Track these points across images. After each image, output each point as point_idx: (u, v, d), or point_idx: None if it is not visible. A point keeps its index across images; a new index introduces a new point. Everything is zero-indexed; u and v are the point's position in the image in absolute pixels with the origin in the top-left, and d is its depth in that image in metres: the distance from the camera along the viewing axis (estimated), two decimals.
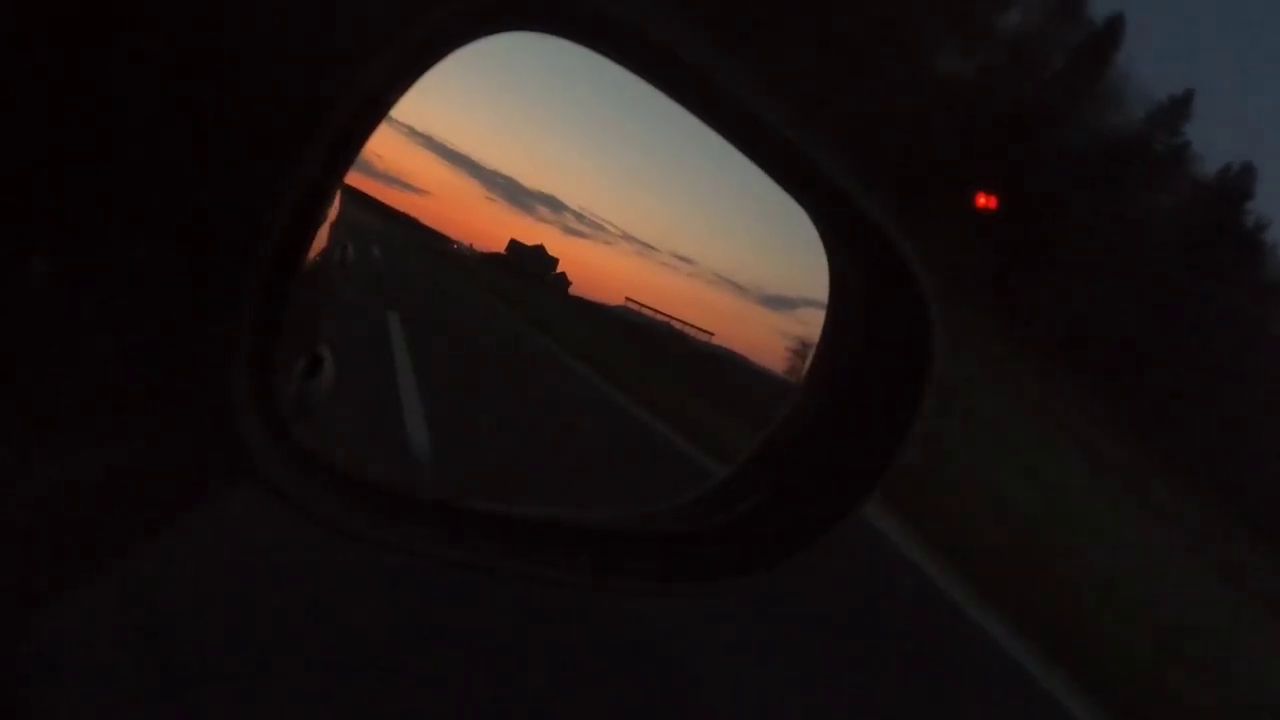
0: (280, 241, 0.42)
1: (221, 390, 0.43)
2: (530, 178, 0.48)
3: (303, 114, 0.41)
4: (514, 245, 0.49)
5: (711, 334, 0.57)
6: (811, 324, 0.62)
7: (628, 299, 0.54)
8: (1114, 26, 50.20)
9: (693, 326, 0.56)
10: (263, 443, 0.45)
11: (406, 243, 0.55)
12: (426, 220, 0.48)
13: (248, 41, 0.42)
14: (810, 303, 0.63)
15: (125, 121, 0.41)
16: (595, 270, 0.53)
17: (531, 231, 0.49)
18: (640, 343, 0.58)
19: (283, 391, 0.49)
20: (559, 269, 0.51)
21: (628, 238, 0.52)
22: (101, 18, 0.40)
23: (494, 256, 0.50)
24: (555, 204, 0.50)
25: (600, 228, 0.51)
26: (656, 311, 0.54)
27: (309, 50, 0.42)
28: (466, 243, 0.49)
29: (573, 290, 0.53)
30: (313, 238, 0.45)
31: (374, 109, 0.44)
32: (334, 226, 0.51)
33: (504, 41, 0.46)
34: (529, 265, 0.50)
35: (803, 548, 0.61)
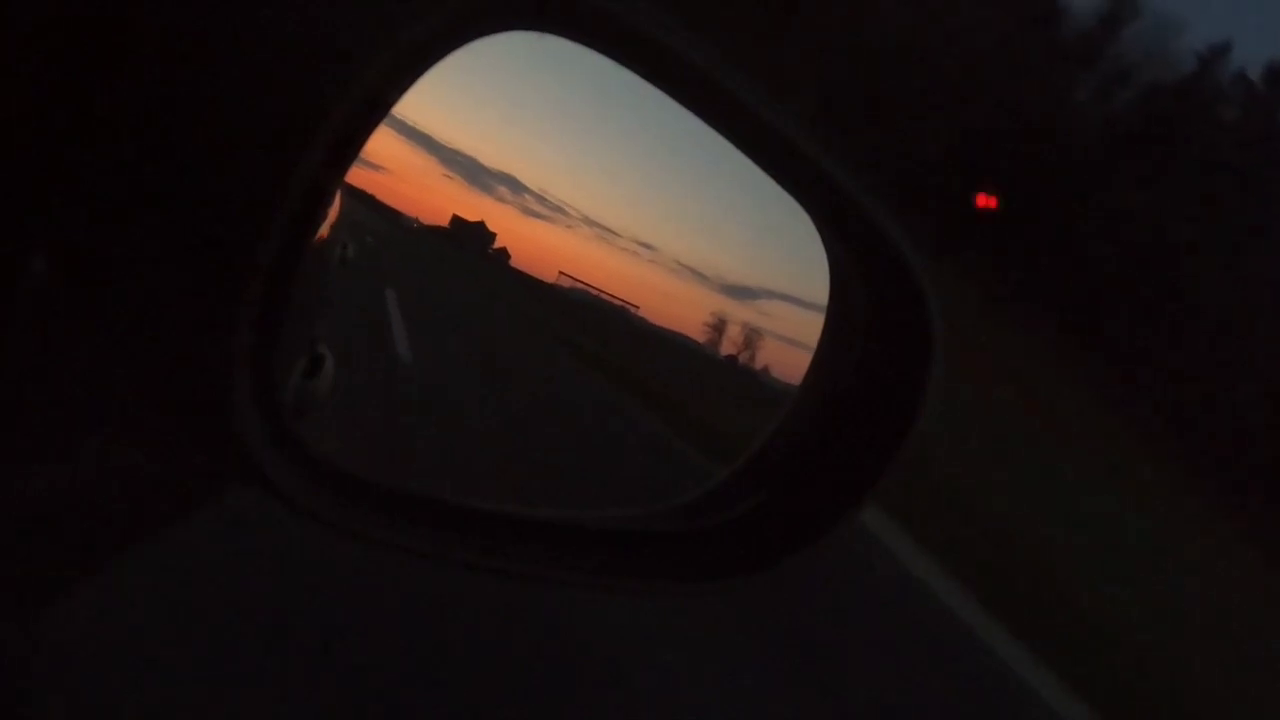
0: (280, 241, 0.42)
1: (221, 390, 0.43)
2: (492, 159, 0.50)
3: (303, 114, 0.41)
4: (456, 220, 0.51)
5: (637, 306, 0.59)
6: (774, 314, 0.64)
7: (561, 272, 0.57)
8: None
9: (620, 299, 0.59)
10: (263, 443, 0.45)
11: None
12: (382, 196, 0.50)
13: (248, 42, 0.42)
14: (771, 293, 0.64)
15: (125, 122, 0.41)
16: (541, 248, 0.55)
17: (490, 211, 0.52)
18: (577, 316, 0.61)
19: (283, 391, 0.49)
20: (498, 244, 0.54)
21: (588, 221, 0.54)
22: (101, 19, 0.40)
23: (439, 229, 0.52)
24: (515, 184, 0.52)
25: (560, 210, 0.53)
26: (589, 285, 0.58)
27: (309, 50, 0.42)
28: (414, 216, 0.51)
29: (513, 264, 0.56)
30: (313, 238, 0.45)
31: (374, 109, 0.44)
32: (334, 225, 0.52)
33: (503, 41, 0.46)
34: (468, 239, 0.53)
35: (804, 547, 0.61)
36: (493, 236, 0.53)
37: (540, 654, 2.88)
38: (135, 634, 2.09)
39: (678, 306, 0.61)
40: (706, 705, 3.25)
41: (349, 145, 0.43)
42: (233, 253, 0.42)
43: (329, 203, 0.46)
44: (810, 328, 0.66)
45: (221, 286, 0.42)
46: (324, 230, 0.48)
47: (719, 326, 0.62)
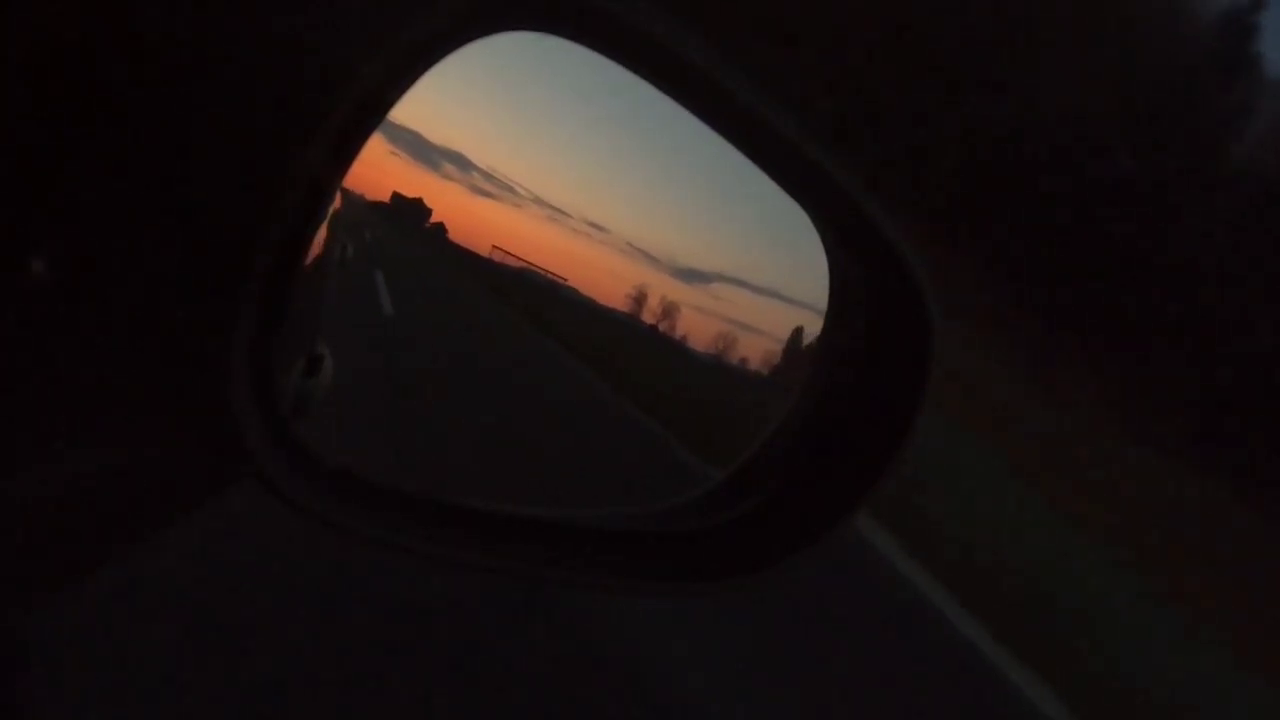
0: (280, 241, 0.42)
1: (221, 390, 0.43)
2: (437, 135, 0.52)
3: (303, 114, 0.41)
4: (396, 196, 0.52)
5: (565, 279, 0.62)
6: (728, 299, 0.67)
7: (495, 246, 0.60)
8: None
9: (550, 272, 0.62)
10: (263, 442, 0.45)
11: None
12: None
13: (249, 42, 0.42)
14: (723, 278, 0.67)
15: (125, 121, 0.41)
16: (481, 223, 0.59)
17: (436, 187, 0.55)
18: (508, 286, 0.65)
19: (282, 391, 0.49)
20: (435, 219, 0.58)
21: (538, 201, 0.57)
22: (102, 19, 0.40)
23: (380, 205, 0.54)
24: (463, 162, 0.54)
25: (509, 189, 0.56)
26: (521, 259, 0.61)
27: (310, 50, 0.42)
28: (357, 192, 0.52)
29: (451, 237, 0.60)
30: (313, 237, 0.45)
31: (374, 109, 0.44)
32: (333, 225, 0.52)
33: (503, 42, 0.47)
34: (406, 214, 0.55)
35: (804, 548, 0.62)
36: (429, 212, 0.56)
37: (544, 654, 2.88)
38: (135, 634, 2.09)
39: (622, 284, 0.64)
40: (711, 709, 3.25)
41: (349, 145, 0.43)
42: (233, 252, 0.42)
43: (329, 202, 0.46)
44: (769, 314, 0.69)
45: (222, 286, 0.42)
46: (324, 230, 0.48)
47: (640, 299, 0.65)
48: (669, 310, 0.65)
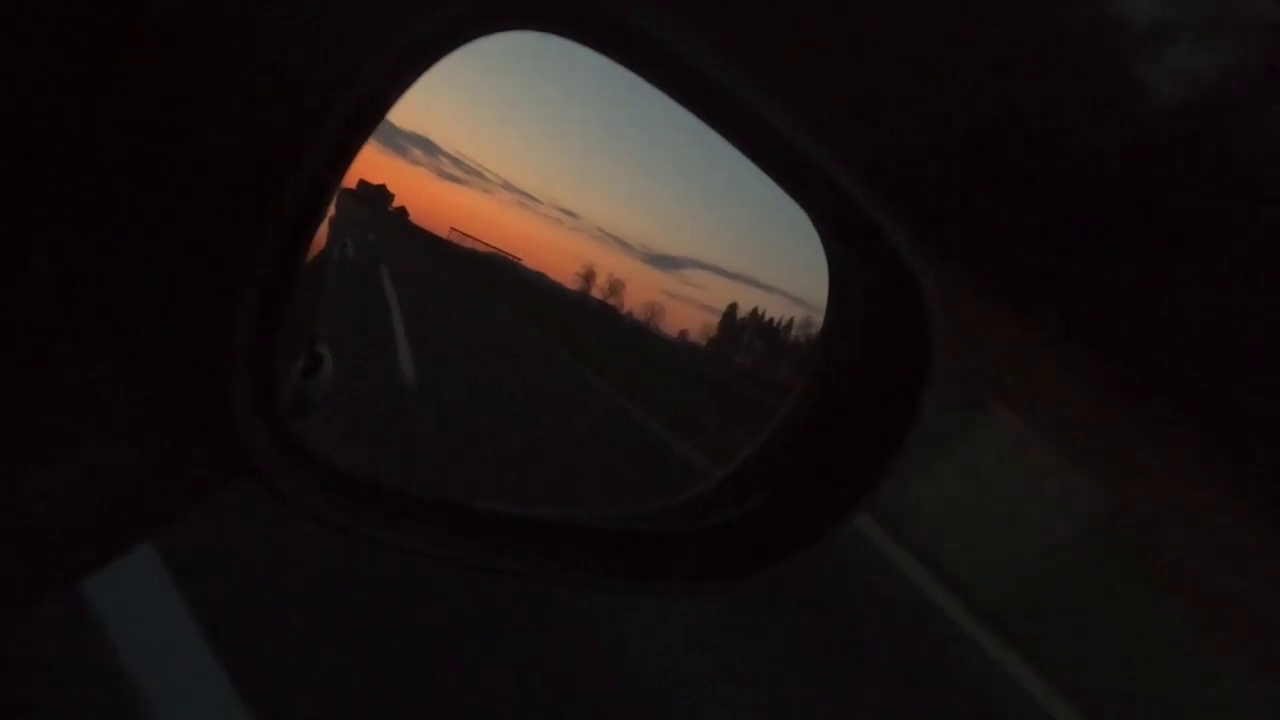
0: (280, 241, 0.42)
1: (221, 390, 0.43)
2: (406, 121, 0.53)
3: (303, 114, 0.42)
4: (362, 183, 0.56)
5: (520, 258, 0.65)
6: (703, 285, 0.69)
7: (453, 229, 0.63)
8: None
9: (508, 253, 0.65)
10: (263, 443, 0.45)
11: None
12: None
13: (249, 40, 0.42)
14: (695, 264, 0.68)
15: (125, 120, 0.41)
16: (444, 207, 0.62)
17: (403, 171, 0.58)
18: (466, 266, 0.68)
19: (283, 391, 0.49)
20: (396, 204, 0.61)
21: (508, 187, 0.59)
22: (103, 18, 0.40)
23: (349, 190, 0.57)
24: (430, 147, 0.57)
25: (478, 174, 0.58)
26: (479, 240, 0.64)
27: (310, 49, 0.42)
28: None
29: (412, 220, 0.63)
30: (312, 237, 0.45)
31: (374, 108, 0.44)
32: (332, 224, 0.52)
33: (503, 42, 0.47)
34: (370, 199, 0.59)
35: (803, 547, 0.62)
36: (392, 196, 0.60)
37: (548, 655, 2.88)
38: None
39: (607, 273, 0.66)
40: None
41: (349, 145, 0.43)
42: (233, 252, 0.42)
43: (329, 202, 0.46)
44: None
45: (222, 286, 0.42)
46: (323, 230, 0.48)
47: (589, 276, 0.67)
48: (652, 305, 0.67)
